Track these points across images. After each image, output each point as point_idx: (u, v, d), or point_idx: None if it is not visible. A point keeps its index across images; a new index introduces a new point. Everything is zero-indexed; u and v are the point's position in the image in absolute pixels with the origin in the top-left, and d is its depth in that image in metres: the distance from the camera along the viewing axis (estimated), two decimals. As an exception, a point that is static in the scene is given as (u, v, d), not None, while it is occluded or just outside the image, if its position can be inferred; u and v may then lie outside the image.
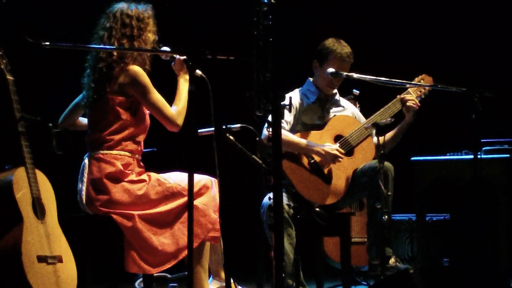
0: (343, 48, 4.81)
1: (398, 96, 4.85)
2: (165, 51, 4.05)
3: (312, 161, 4.75)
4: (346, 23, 6.35)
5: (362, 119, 4.97)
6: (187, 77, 3.98)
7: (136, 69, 3.98)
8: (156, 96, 3.99)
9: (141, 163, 4.09)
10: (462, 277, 5.37)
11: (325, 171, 4.76)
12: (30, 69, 5.12)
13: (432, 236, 5.65)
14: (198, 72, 3.90)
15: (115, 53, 3.97)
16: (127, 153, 4.00)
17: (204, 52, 3.34)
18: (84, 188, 3.97)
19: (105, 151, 3.98)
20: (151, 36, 4.07)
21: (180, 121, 4.01)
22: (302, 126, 4.86)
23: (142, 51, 4.04)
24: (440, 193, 5.72)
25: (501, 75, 6.13)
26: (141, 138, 4.08)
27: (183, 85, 4.07)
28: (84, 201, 3.98)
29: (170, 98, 4.07)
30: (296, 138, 4.75)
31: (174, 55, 4.03)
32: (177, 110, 4.02)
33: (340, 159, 4.70)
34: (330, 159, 4.70)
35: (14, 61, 3.90)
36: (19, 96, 3.86)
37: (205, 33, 6.04)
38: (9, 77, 3.85)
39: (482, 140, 5.19)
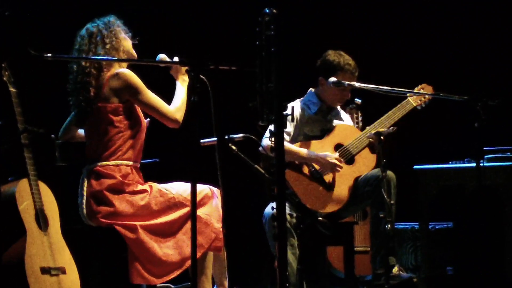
0: (350, 63, 4.83)
1: (399, 104, 4.87)
2: (161, 62, 4.05)
3: (313, 169, 4.76)
4: (347, 32, 6.36)
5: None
6: (185, 78, 4.03)
7: (126, 71, 3.97)
8: (150, 95, 3.99)
9: (140, 172, 4.08)
10: (467, 286, 5.36)
11: (327, 179, 4.77)
12: (33, 81, 5.13)
13: (436, 244, 5.65)
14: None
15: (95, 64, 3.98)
16: (124, 162, 3.99)
17: (207, 63, 3.34)
18: (84, 201, 3.96)
19: (103, 163, 3.96)
20: (123, 40, 4.07)
21: (178, 115, 4.00)
22: (303, 137, 4.87)
23: (142, 62, 4.06)
24: (444, 201, 5.71)
25: (503, 83, 6.14)
26: (139, 142, 4.05)
27: (181, 85, 4.07)
28: (85, 214, 3.97)
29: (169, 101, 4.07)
30: (295, 147, 4.76)
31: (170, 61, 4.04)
32: (175, 106, 4.02)
33: (339, 168, 4.71)
34: (330, 168, 4.72)
35: (17, 73, 3.91)
36: (22, 108, 3.87)
37: (208, 44, 6.05)
38: (12, 89, 3.87)
39: (485, 148, 5.19)
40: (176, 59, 4.04)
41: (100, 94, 3.96)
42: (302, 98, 4.98)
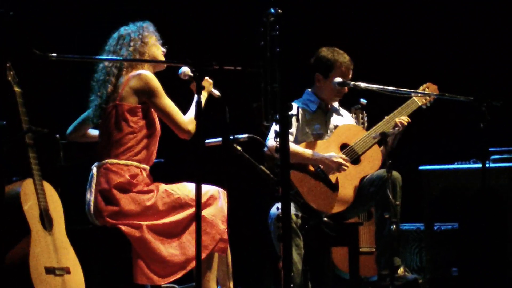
0: (345, 56, 4.85)
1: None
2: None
3: (319, 169, 4.75)
4: (349, 32, 6.35)
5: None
6: (205, 94, 4.08)
7: (147, 73, 4.02)
8: (167, 102, 4.02)
9: (150, 176, 4.08)
10: (471, 287, 5.35)
11: (332, 179, 4.75)
12: (38, 81, 5.13)
13: (440, 245, 5.63)
14: (216, 92, 3.97)
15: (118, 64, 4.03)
16: (134, 163, 4.00)
17: (211, 63, 3.34)
18: (92, 198, 3.97)
19: (113, 160, 3.98)
20: (151, 45, 4.11)
21: (191, 127, 4.02)
22: (306, 136, 4.86)
23: (153, 62, 4.08)
24: (449, 202, 5.70)
25: (508, 84, 6.12)
26: (152, 146, 4.08)
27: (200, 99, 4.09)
28: (92, 212, 3.98)
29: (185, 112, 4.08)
30: (300, 148, 4.75)
31: (192, 75, 4.04)
32: (189, 117, 4.04)
33: (345, 168, 4.70)
34: (335, 168, 4.70)
35: (22, 73, 3.91)
36: (26, 108, 3.87)
37: (213, 44, 6.05)
38: (17, 89, 3.87)
39: (490, 149, 5.18)
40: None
41: (119, 93, 4.00)
42: (299, 99, 4.98)
